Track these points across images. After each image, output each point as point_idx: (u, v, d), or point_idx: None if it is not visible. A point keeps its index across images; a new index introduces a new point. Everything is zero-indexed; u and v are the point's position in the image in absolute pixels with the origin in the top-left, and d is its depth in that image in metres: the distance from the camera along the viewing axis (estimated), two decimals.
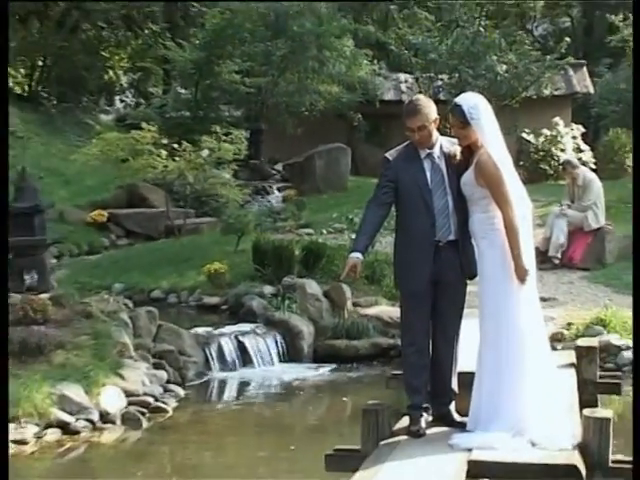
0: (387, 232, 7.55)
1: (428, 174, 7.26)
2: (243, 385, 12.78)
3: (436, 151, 7.30)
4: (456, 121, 7.23)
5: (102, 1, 35.57)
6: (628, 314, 13.47)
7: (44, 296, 12.77)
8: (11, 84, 39.60)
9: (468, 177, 7.19)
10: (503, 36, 29.17)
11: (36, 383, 10.56)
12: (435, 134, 7.31)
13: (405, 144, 7.42)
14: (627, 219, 19.01)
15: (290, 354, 13.73)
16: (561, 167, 19.83)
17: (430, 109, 7.25)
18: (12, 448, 9.59)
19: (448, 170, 7.28)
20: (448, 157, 7.31)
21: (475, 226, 7.28)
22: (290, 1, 28.67)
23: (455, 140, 7.37)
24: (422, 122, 7.19)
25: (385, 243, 8.62)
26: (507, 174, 7.23)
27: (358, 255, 7.24)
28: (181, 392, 11.97)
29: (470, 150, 7.24)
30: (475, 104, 7.26)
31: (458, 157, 7.32)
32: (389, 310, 14.02)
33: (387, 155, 7.43)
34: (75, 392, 10.62)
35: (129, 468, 9.72)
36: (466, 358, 7.60)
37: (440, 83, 28.48)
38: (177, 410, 11.34)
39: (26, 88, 38.08)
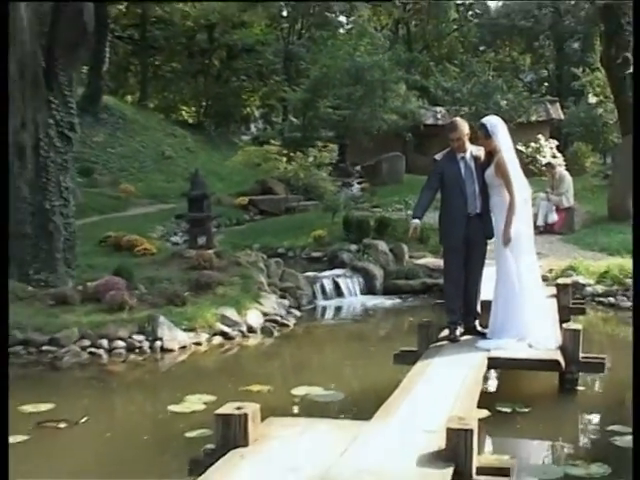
0: (431, 209, 7.51)
1: (462, 170, 7.21)
2: (337, 309, 12.75)
3: (468, 155, 7.25)
4: (482, 134, 7.20)
5: None
6: (590, 263, 13.23)
7: (210, 251, 12.87)
8: (186, 117, 40.24)
9: (490, 171, 7.15)
10: (504, 82, 28.82)
11: (206, 307, 10.65)
12: (467, 143, 7.25)
13: (447, 150, 7.41)
14: (588, 201, 18.75)
15: (368, 289, 13.65)
16: (544, 167, 19.49)
17: (464, 127, 7.21)
18: (192, 347, 9.76)
19: (476, 167, 7.23)
20: (476, 159, 7.26)
21: (493, 204, 7.22)
22: (299, 1, 28.38)
23: (481, 148, 7.31)
24: (459, 135, 7.15)
25: (429, 217, 8.51)
26: (515, 169, 7.18)
27: (417, 221, 7.28)
28: (298, 314, 11.96)
29: (491, 154, 7.18)
30: (495, 124, 7.22)
31: (482, 158, 7.25)
32: (433, 261, 13.89)
33: (436, 157, 7.50)
34: (230, 313, 10.67)
35: (264, 362, 9.79)
36: (486, 291, 7.55)
37: (463, 113, 28.04)
38: (295, 325, 11.34)
39: (196, 119, 38.50)
